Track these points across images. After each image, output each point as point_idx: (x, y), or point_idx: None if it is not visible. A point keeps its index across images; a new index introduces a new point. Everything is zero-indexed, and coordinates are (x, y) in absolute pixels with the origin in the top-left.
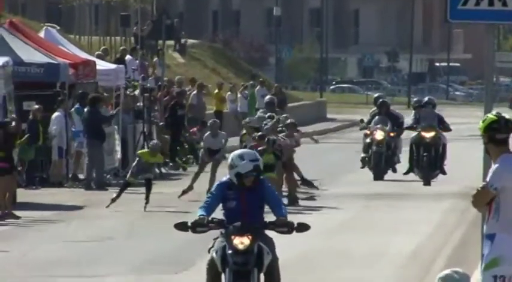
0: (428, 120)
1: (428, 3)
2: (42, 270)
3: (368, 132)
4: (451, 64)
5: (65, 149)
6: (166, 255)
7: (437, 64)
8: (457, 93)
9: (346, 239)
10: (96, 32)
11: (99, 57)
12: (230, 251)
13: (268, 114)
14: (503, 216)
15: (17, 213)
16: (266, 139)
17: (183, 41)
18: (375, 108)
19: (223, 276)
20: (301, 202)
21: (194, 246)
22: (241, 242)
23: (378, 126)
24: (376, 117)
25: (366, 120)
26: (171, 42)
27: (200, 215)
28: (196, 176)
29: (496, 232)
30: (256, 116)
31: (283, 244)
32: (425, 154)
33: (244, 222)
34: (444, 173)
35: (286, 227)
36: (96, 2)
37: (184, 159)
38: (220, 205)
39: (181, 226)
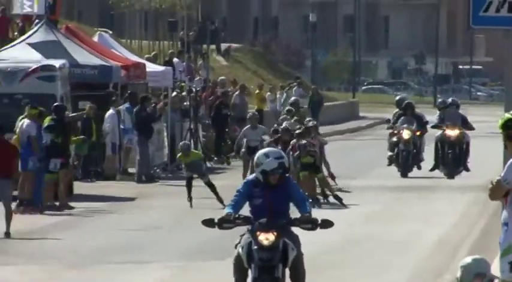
0: (452, 119)
1: (452, 11)
2: (94, 257)
3: (395, 131)
4: (473, 67)
5: (118, 145)
6: (210, 244)
7: (460, 67)
8: (479, 93)
9: (378, 228)
10: (145, 36)
11: (148, 60)
12: (256, 247)
13: (288, 108)
14: None
15: (73, 204)
16: (297, 145)
17: (225, 45)
18: (397, 109)
19: (249, 271)
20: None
21: (237, 236)
22: (267, 238)
23: (405, 125)
24: (402, 117)
25: (390, 120)
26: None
27: (227, 212)
28: (244, 176)
29: (509, 221)
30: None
31: (320, 232)
32: (449, 151)
33: (270, 218)
34: (467, 169)
35: (310, 224)
36: (146, 8)
37: (228, 155)
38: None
39: (208, 222)
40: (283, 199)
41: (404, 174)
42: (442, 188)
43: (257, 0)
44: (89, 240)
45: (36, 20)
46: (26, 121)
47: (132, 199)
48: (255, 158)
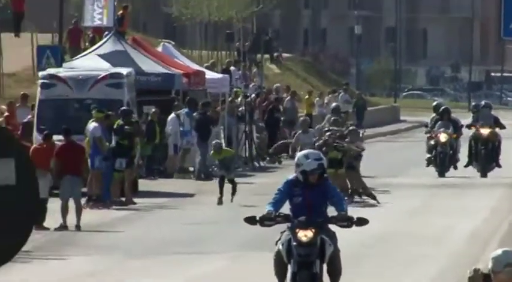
0: (485, 119)
1: (485, 23)
2: (157, 248)
3: (432, 135)
4: (504, 74)
5: (179, 146)
6: (264, 237)
7: (492, 74)
8: (509, 99)
9: (416, 221)
10: (205, 46)
11: (207, 68)
12: (295, 243)
13: (333, 118)
14: None
15: (138, 200)
16: (323, 141)
17: (276, 54)
18: (434, 114)
19: (289, 266)
20: (376, 192)
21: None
22: (305, 235)
23: (442, 129)
24: (439, 122)
25: (428, 124)
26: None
27: (268, 210)
28: None
29: None
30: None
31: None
32: (482, 148)
33: (309, 216)
34: (499, 166)
35: (347, 221)
36: (206, 21)
37: (279, 155)
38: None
39: (250, 220)
40: (321, 198)
41: (441, 174)
42: (475, 185)
43: (307, 13)
44: (152, 232)
45: (106, 32)
46: (93, 124)
47: (191, 195)
48: (296, 158)
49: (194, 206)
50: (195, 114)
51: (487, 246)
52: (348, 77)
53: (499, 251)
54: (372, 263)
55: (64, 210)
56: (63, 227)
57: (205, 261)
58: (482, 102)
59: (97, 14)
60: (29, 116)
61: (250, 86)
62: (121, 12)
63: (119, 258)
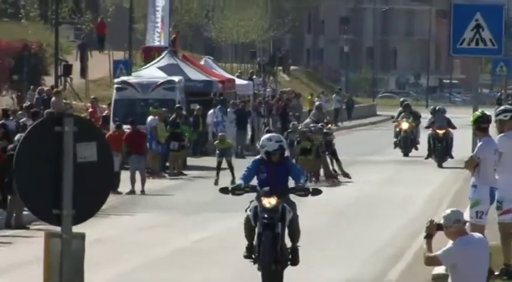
0: (440, 121)
1: (438, 44)
2: (203, 208)
3: (397, 124)
4: (452, 81)
5: (215, 133)
6: None
7: (444, 81)
8: (456, 99)
9: (384, 189)
10: (234, 61)
11: (237, 77)
12: (260, 209)
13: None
14: (482, 174)
15: (187, 172)
16: (300, 132)
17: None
18: (401, 108)
19: (256, 229)
20: (351, 168)
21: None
22: (269, 202)
23: (404, 119)
24: (402, 113)
25: (395, 116)
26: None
27: (239, 183)
28: None
29: (477, 184)
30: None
31: (343, 190)
32: (439, 145)
33: (272, 187)
34: (452, 157)
35: (303, 191)
36: (235, 42)
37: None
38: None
39: (224, 190)
40: (283, 174)
41: (406, 154)
42: (431, 163)
43: (309, 37)
44: (198, 196)
45: (165, 51)
46: (150, 117)
47: (225, 169)
48: (260, 141)
49: (228, 177)
50: (229, 109)
51: (439, 208)
52: (339, 83)
53: (448, 211)
54: (349, 219)
55: (132, 180)
56: (132, 192)
57: (237, 217)
58: (438, 107)
59: (156, 37)
60: (106, 111)
61: (268, 90)
62: (174, 36)
63: (173, 215)
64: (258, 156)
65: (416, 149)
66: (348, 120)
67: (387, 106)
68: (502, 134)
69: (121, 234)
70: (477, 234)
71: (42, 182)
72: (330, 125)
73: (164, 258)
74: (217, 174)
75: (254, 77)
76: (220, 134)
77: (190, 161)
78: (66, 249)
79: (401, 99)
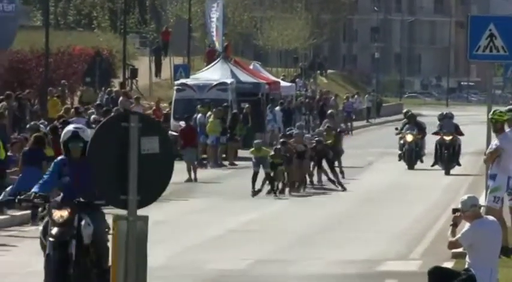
0: (448, 127)
1: (457, 50)
2: (247, 194)
3: (401, 136)
4: (469, 83)
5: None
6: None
7: (462, 83)
8: (473, 99)
9: (405, 178)
10: (280, 65)
11: (282, 79)
12: (51, 224)
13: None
14: (503, 164)
15: (237, 162)
16: (274, 148)
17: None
18: (405, 119)
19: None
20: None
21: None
22: (61, 215)
23: (408, 131)
24: (407, 125)
25: (399, 128)
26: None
27: (33, 192)
28: None
29: (497, 173)
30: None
31: (373, 178)
32: (446, 151)
33: (73, 195)
34: (459, 164)
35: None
36: (280, 49)
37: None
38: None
39: (10, 202)
40: (88, 175)
41: (410, 167)
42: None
43: (345, 45)
44: (246, 184)
45: (219, 57)
46: (199, 115)
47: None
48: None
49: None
50: (277, 108)
51: (457, 195)
52: (370, 85)
53: (465, 197)
54: (377, 204)
55: (189, 169)
56: (189, 180)
57: (277, 203)
58: (445, 112)
59: (212, 42)
60: (167, 109)
61: (309, 91)
62: (226, 43)
63: (224, 200)
64: (60, 157)
65: (422, 161)
66: (377, 118)
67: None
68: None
69: (179, 217)
70: (490, 217)
71: (111, 171)
72: (344, 133)
73: (217, 238)
74: (253, 186)
75: (296, 79)
76: (256, 141)
77: (241, 153)
78: (131, 230)
79: (405, 109)
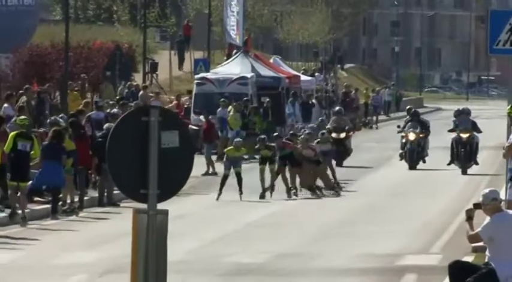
0: (464, 124)
1: (477, 45)
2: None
3: (404, 134)
4: (489, 78)
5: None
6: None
7: (482, 77)
8: (493, 93)
9: (425, 174)
10: (300, 59)
11: (302, 73)
12: None
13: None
14: None
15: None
16: (258, 138)
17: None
18: (408, 117)
19: None
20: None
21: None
22: None
23: (411, 129)
24: (409, 123)
25: (401, 125)
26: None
27: None
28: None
29: None
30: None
31: (396, 173)
32: (462, 150)
33: None
34: (477, 163)
35: None
36: (300, 43)
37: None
38: None
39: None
40: None
41: (412, 168)
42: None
43: (364, 38)
44: (267, 178)
45: (239, 51)
46: (220, 109)
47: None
48: None
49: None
50: (296, 102)
51: (477, 189)
52: (390, 79)
53: (487, 190)
54: (400, 199)
55: (208, 163)
56: (207, 173)
57: (284, 203)
58: (461, 108)
59: (234, 35)
60: (188, 103)
61: (329, 85)
62: (246, 38)
63: (244, 194)
64: None
65: (424, 162)
66: (397, 112)
67: (432, 99)
68: None
69: (199, 211)
70: (510, 211)
71: (131, 165)
72: (350, 133)
73: (236, 231)
74: (220, 189)
75: (316, 74)
76: (236, 140)
77: None
78: (151, 224)
79: (408, 106)
